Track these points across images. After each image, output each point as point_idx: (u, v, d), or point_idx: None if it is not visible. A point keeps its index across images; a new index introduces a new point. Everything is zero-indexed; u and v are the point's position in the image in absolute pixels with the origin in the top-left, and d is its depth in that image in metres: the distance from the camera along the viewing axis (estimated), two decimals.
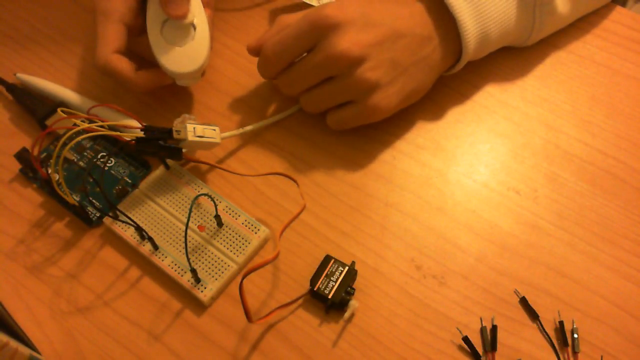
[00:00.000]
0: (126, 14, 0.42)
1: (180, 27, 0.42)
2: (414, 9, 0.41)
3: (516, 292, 0.38)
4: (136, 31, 0.43)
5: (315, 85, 0.42)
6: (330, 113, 0.43)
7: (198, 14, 0.43)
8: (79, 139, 0.39)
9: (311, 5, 0.51)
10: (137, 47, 0.44)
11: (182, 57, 0.42)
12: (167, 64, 0.42)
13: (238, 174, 0.43)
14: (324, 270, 0.38)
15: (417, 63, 0.41)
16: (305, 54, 0.41)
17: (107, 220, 0.40)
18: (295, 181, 0.42)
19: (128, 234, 0.40)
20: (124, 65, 0.42)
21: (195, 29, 0.43)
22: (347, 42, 0.39)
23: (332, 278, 0.37)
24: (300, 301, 0.38)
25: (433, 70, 0.43)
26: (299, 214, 0.41)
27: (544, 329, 0.37)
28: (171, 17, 0.42)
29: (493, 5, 0.41)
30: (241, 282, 0.34)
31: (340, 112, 0.42)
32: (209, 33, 0.43)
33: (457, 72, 0.45)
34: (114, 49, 0.41)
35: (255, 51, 0.43)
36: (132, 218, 0.39)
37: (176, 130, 0.39)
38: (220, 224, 0.40)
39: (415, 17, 0.41)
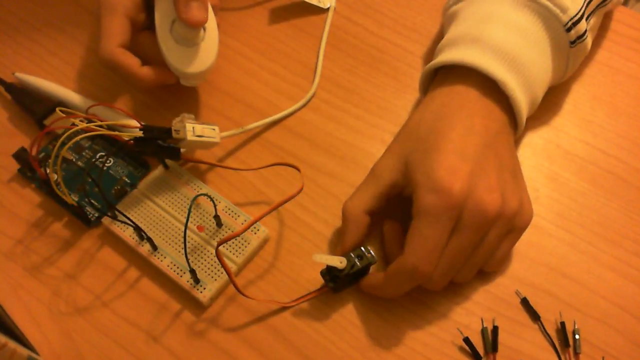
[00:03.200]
0: (131, 9, 0.42)
1: (189, 27, 0.41)
2: (481, 111, 0.38)
3: (517, 293, 0.38)
4: (138, 27, 0.43)
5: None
6: (492, 261, 0.38)
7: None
8: (77, 138, 0.38)
9: (312, 5, 0.51)
10: (136, 45, 0.43)
11: (191, 57, 0.42)
12: (176, 64, 0.42)
13: (237, 169, 0.43)
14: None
15: (510, 152, 0.38)
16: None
17: (105, 220, 0.40)
18: (296, 168, 0.41)
19: (127, 234, 0.40)
20: (129, 59, 0.41)
21: (205, 29, 0.42)
22: (488, 195, 0.35)
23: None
24: (301, 300, 0.38)
25: (512, 141, 0.40)
26: (295, 195, 0.38)
27: (545, 330, 0.37)
28: (189, 25, 0.40)
29: (535, 67, 0.39)
30: (217, 249, 0.34)
31: (501, 250, 0.38)
32: (218, 34, 0.43)
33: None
34: (119, 42, 0.41)
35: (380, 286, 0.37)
36: (131, 218, 0.39)
37: (175, 130, 0.39)
38: (219, 224, 0.40)
39: (486, 118, 0.38)
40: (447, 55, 0.39)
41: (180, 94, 0.47)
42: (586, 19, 0.40)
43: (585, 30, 0.40)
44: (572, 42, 0.40)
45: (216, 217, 0.40)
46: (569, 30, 0.39)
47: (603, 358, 0.36)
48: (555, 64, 0.41)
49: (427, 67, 0.41)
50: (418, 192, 0.35)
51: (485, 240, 0.36)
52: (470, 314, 0.38)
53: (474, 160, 0.36)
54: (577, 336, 0.36)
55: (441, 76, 0.40)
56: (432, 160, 0.35)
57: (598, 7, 0.41)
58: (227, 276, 0.37)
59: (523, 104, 0.39)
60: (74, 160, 0.43)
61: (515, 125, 0.40)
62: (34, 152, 0.40)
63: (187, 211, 0.37)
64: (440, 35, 0.49)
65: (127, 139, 0.38)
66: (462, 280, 0.38)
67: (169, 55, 0.42)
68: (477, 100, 0.38)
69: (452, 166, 0.35)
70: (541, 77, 0.40)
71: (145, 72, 0.42)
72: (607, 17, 0.50)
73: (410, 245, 0.34)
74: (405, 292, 0.36)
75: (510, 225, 0.37)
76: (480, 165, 0.36)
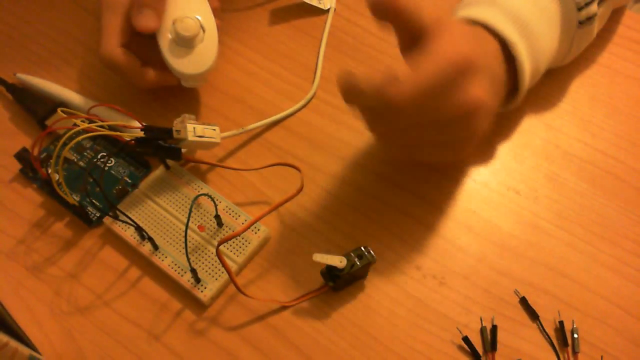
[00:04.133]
0: None
1: (189, 28, 0.42)
2: (490, 54, 0.38)
3: (516, 292, 0.38)
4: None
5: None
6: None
7: (206, 16, 0.43)
8: (79, 139, 0.39)
9: (312, 6, 0.51)
10: (137, 46, 0.43)
11: (191, 58, 0.42)
12: (176, 65, 0.42)
13: (237, 169, 0.43)
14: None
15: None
16: None
17: (107, 220, 0.40)
18: (296, 168, 0.41)
19: (128, 234, 0.40)
20: (129, 59, 0.42)
21: (204, 30, 0.43)
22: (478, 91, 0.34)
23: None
24: (301, 299, 0.38)
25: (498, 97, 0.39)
26: (295, 195, 0.39)
27: (544, 329, 0.37)
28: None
29: (544, 39, 0.40)
30: (217, 249, 0.34)
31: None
32: (217, 35, 0.43)
33: None
34: (119, 42, 0.42)
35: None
36: (132, 218, 0.39)
37: (176, 130, 0.39)
38: (220, 224, 0.40)
39: (490, 59, 0.38)
40: (462, 12, 0.40)
41: (181, 95, 0.47)
42: (598, 4, 0.40)
43: (595, 14, 0.40)
44: (581, 23, 0.40)
45: (217, 217, 0.40)
46: (580, 9, 0.40)
47: (602, 357, 0.36)
48: (560, 42, 0.41)
49: None
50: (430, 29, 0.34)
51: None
52: (469, 313, 0.38)
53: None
54: (575, 335, 0.37)
55: None
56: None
57: None
58: (227, 275, 0.37)
59: (527, 70, 0.39)
60: (75, 160, 0.43)
61: (512, 94, 0.40)
62: (35, 152, 0.40)
63: (188, 211, 0.37)
64: None
65: (128, 139, 0.39)
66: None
67: (168, 57, 0.42)
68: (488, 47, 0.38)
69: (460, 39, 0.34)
70: (547, 50, 0.40)
71: (146, 72, 0.42)
72: (612, 20, 0.50)
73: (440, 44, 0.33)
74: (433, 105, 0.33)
75: (458, 129, 0.35)
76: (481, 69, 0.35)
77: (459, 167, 0.43)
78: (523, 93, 0.40)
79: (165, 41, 0.42)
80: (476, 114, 0.35)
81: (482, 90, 0.34)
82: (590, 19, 0.40)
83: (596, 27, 0.42)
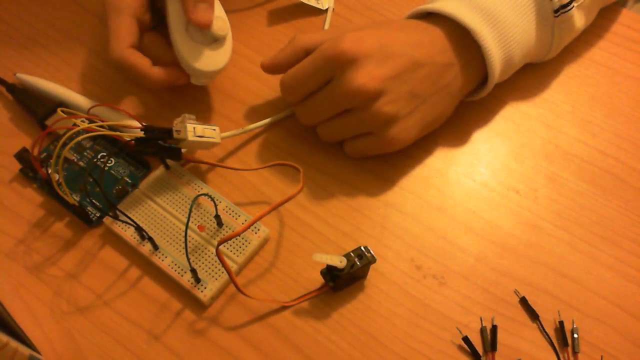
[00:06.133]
0: (137, 9, 0.42)
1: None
2: (434, 35, 0.40)
3: (516, 292, 0.38)
4: (144, 27, 0.43)
5: (333, 117, 0.41)
6: (348, 143, 0.42)
7: (221, 14, 0.43)
8: (79, 139, 0.39)
9: (310, 6, 0.51)
10: (142, 46, 0.43)
11: (208, 55, 0.42)
12: (192, 62, 0.42)
13: (237, 169, 0.43)
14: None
15: (437, 92, 0.40)
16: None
17: (107, 220, 0.40)
18: (296, 168, 0.42)
19: (128, 234, 0.40)
20: (140, 60, 0.41)
21: None
22: (364, 77, 0.38)
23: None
24: (301, 299, 0.38)
25: (454, 98, 0.42)
26: (295, 195, 0.39)
27: (544, 329, 0.37)
28: (197, 26, 0.41)
29: (515, 27, 0.40)
30: (217, 249, 0.34)
31: (358, 143, 0.42)
32: (230, 33, 0.43)
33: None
34: (129, 43, 0.41)
35: (269, 70, 0.43)
36: (132, 218, 0.39)
37: (176, 130, 0.39)
38: (220, 224, 0.40)
39: (436, 45, 0.40)
40: (427, 6, 0.42)
41: (181, 95, 0.47)
42: None
43: (570, 1, 0.41)
44: (556, 11, 0.41)
45: (217, 216, 0.40)
46: None
47: (602, 357, 0.36)
48: (539, 32, 0.42)
49: (405, 17, 0.43)
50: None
51: (350, 115, 0.40)
52: (469, 313, 0.38)
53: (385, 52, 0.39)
54: (575, 335, 0.37)
55: None
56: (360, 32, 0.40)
57: None
58: (227, 275, 0.37)
59: (496, 57, 0.40)
60: (75, 160, 0.43)
61: (482, 79, 0.42)
62: (35, 152, 0.40)
63: (188, 211, 0.37)
64: None
65: (128, 139, 0.39)
66: (347, 152, 0.43)
67: (185, 54, 0.42)
68: (441, 36, 0.41)
69: (361, 35, 0.39)
70: (520, 38, 0.41)
71: (157, 72, 0.42)
72: (603, 17, 0.50)
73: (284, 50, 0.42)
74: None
75: (376, 124, 0.40)
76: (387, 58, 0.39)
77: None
78: (493, 79, 0.41)
79: (180, 37, 0.42)
80: (357, 95, 0.38)
81: (365, 77, 0.38)
82: (565, 6, 0.41)
83: (577, 18, 0.43)
